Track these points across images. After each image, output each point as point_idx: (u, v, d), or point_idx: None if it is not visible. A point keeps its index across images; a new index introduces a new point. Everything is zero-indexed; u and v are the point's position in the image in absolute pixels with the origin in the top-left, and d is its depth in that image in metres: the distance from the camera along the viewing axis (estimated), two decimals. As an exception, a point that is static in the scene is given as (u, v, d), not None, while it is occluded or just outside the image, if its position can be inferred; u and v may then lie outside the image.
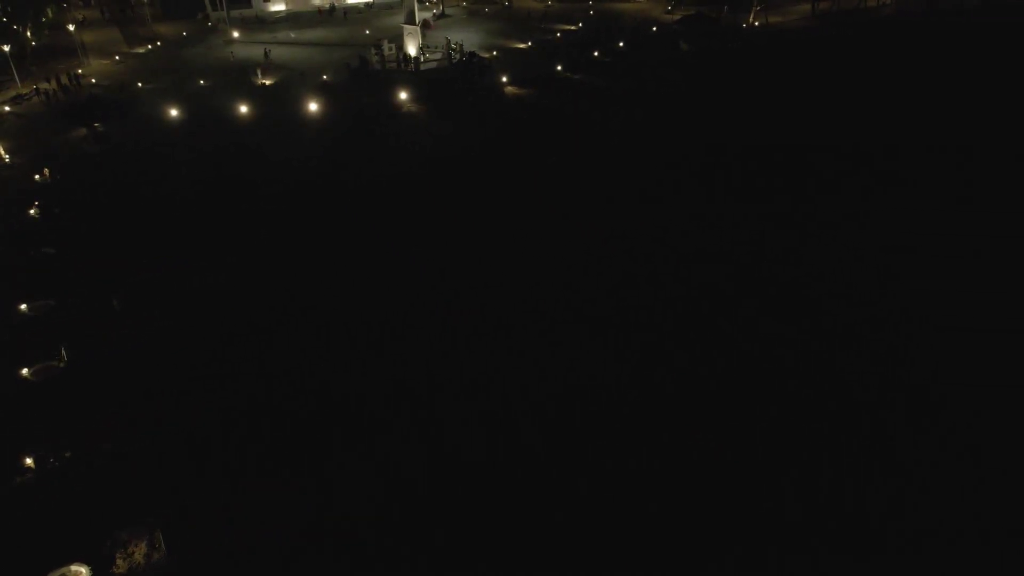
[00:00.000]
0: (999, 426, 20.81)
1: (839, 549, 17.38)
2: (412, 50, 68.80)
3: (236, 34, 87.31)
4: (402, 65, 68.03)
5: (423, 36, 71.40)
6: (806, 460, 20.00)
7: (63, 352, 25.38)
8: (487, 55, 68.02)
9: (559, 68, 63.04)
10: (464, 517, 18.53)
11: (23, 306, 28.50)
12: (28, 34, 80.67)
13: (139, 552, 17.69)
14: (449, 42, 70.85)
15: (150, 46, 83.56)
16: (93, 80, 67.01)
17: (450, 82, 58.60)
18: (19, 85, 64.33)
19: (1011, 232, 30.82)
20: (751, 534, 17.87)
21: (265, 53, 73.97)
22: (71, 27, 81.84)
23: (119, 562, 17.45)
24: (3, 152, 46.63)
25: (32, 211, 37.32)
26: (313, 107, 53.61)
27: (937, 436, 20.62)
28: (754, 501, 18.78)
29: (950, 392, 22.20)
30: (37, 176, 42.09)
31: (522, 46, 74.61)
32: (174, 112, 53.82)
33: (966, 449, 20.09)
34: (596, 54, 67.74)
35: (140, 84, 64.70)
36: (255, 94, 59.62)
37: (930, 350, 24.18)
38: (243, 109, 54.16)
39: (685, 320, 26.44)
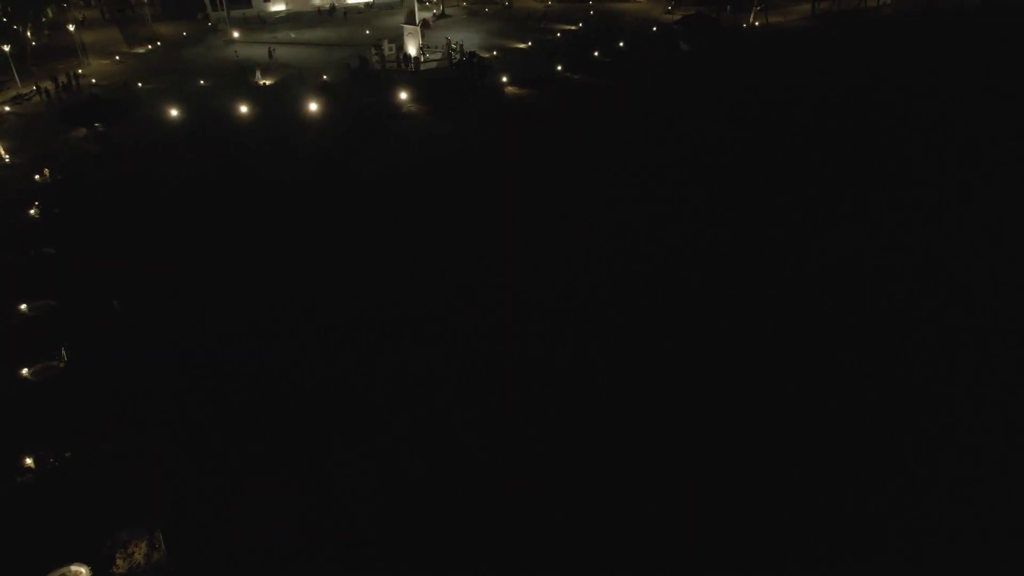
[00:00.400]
0: (999, 426, 20.79)
1: (839, 549, 17.40)
2: (412, 50, 68.77)
3: (236, 34, 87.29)
4: (402, 65, 68.01)
5: (423, 36, 71.39)
6: (806, 460, 20.02)
7: (63, 352, 25.38)
8: (487, 55, 67.99)
9: (559, 68, 63.04)
10: (464, 517, 18.51)
11: (23, 306, 28.50)
12: (28, 34, 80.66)
13: (139, 552, 17.69)
14: (449, 42, 70.84)
15: (150, 46, 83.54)
16: (93, 80, 67.02)
17: (450, 82, 58.56)
18: (19, 85, 64.33)
19: (1011, 232, 30.85)
20: (751, 534, 17.87)
21: (269, 52, 73.96)
22: (71, 27, 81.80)
23: (119, 562, 17.45)
24: (3, 152, 46.64)
25: (32, 211, 37.32)
26: (313, 107, 53.62)
27: (937, 436, 20.62)
28: (754, 502, 18.79)
29: (950, 391, 22.21)
30: (37, 176, 42.10)
31: (522, 46, 74.61)
32: (174, 112, 53.82)
33: (966, 449, 20.08)
34: (596, 54, 67.75)
35: (140, 84, 64.69)
36: (255, 94, 59.61)
37: (930, 350, 24.19)
38: (243, 109, 54.16)
39: (685, 321, 26.46)
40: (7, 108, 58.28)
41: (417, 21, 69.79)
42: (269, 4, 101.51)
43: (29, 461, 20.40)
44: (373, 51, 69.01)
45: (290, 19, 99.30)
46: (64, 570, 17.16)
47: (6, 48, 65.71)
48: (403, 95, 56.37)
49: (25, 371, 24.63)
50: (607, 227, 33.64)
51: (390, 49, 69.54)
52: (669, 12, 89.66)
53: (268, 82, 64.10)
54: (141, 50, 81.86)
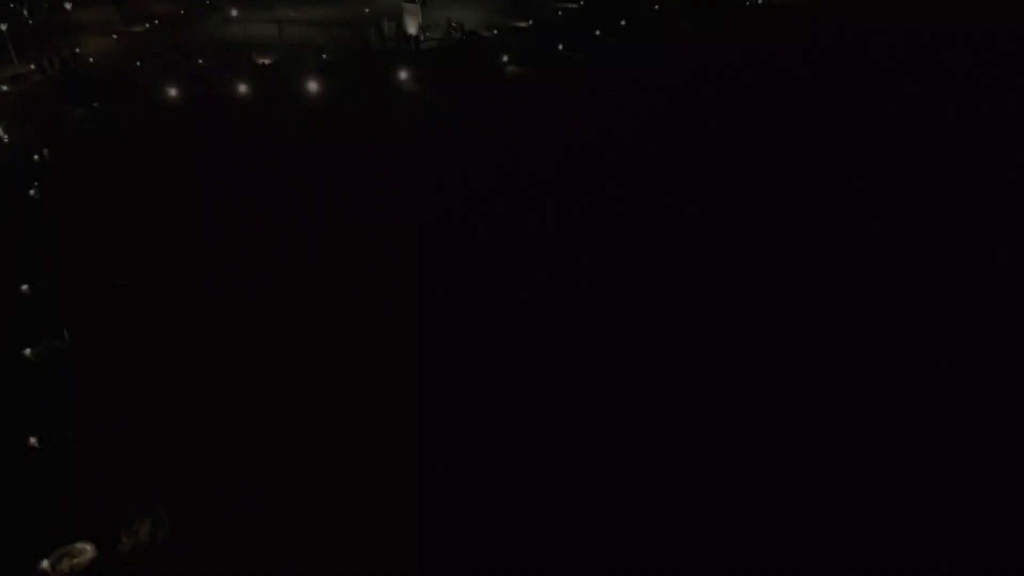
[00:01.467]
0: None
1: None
2: (412, 29, 68.25)
3: (235, 12, 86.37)
4: (402, 44, 67.49)
5: (422, 14, 70.73)
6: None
7: (65, 332, 25.45)
8: (488, 33, 67.39)
9: (560, 47, 62.47)
10: (467, 516, 18.60)
11: (25, 287, 28.55)
12: (26, 13, 79.88)
13: (144, 530, 17.87)
14: (449, 21, 70.16)
15: (148, 25, 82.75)
16: (91, 59, 66.48)
17: (450, 61, 58.13)
18: (17, 64, 63.77)
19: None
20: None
21: (279, 30, 73.25)
22: (68, 5, 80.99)
23: (124, 540, 17.64)
24: (2, 132, 46.38)
25: (32, 191, 37.24)
26: (313, 86, 53.22)
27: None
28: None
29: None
30: (37, 156, 41.92)
31: (523, 24, 73.88)
32: (173, 91, 53.43)
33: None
34: (598, 32, 67.06)
35: (138, 63, 64.15)
36: (254, 73, 59.10)
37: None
38: (242, 88, 53.75)
39: (688, 317, 26.49)
40: (5, 87, 57.84)
41: (417, -1, 69.20)
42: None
43: (34, 441, 20.56)
44: (373, 30, 68.42)
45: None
46: (70, 547, 17.35)
47: (3, 27, 65.03)
48: (403, 74, 55.97)
49: (28, 351, 24.74)
50: (607, 213, 33.63)
51: (390, 28, 68.95)
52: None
53: (267, 61, 63.60)
54: (139, 29, 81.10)
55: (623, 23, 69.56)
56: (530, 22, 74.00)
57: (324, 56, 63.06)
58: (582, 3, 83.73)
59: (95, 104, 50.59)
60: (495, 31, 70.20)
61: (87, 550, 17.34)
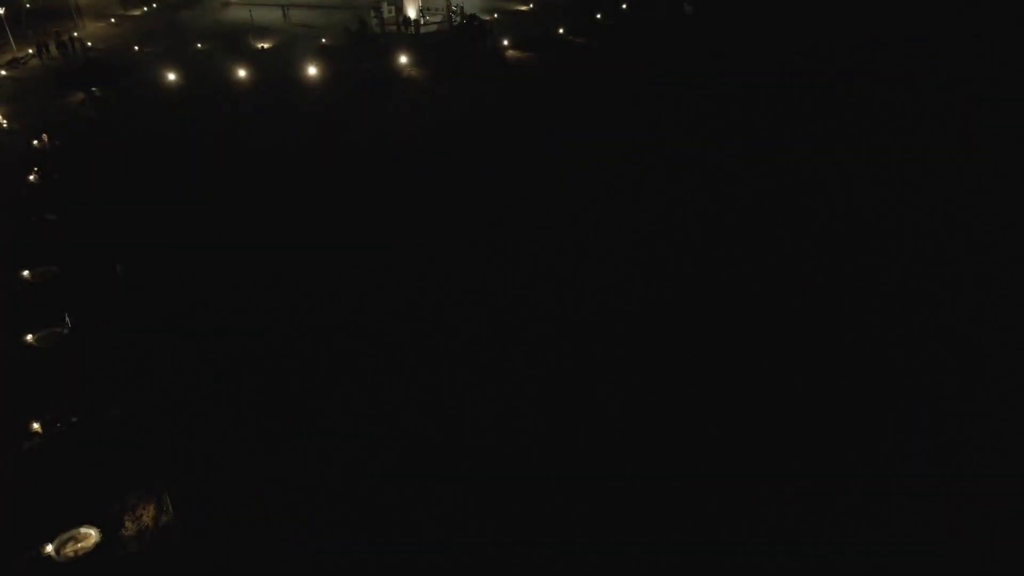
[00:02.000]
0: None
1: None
2: (412, 12, 67.87)
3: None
4: (401, 28, 67.16)
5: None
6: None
7: (67, 318, 25.52)
8: (488, 17, 67.02)
9: (561, 31, 62.17)
10: (471, 496, 18.50)
11: (25, 272, 28.60)
12: (22, -5, 79.43)
13: (147, 515, 18.03)
14: (449, 4, 69.78)
15: (145, 8, 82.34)
16: (89, 43, 66.17)
17: (450, 45, 57.89)
18: (14, 48, 63.49)
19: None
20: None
21: (284, 14, 72.92)
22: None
23: (128, 524, 17.80)
24: (1, 118, 46.27)
25: (32, 177, 37.20)
26: (312, 71, 53.02)
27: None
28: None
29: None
30: (36, 142, 41.84)
31: (524, 8, 73.49)
32: (172, 75, 53.26)
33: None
34: (599, 16, 66.69)
35: (137, 47, 63.88)
36: (253, 57, 58.88)
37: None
38: (242, 72, 53.57)
39: (691, 305, 26.44)
40: (3, 72, 57.61)
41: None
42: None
43: (36, 426, 20.69)
44: (372, 13, 68.02)
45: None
46: (74, 532, 17.50)
47: (1, 10, 64.70)
48: (403, 58, 55.71)
49: (29, 337, 24.82)
50: (607, 198, 33.56)
51: (389, 11, 68.57)
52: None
53: (266, 45, 63.33)
54: (137, 12, 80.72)
55: (624, 6, 69.10)
56: (531, 5, 73.55)
57: (324, 40, 62.82)
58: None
59: (93, 88, 50.41)
60: (495, 15, 69.82)
61: (91, 534, 17.48)
